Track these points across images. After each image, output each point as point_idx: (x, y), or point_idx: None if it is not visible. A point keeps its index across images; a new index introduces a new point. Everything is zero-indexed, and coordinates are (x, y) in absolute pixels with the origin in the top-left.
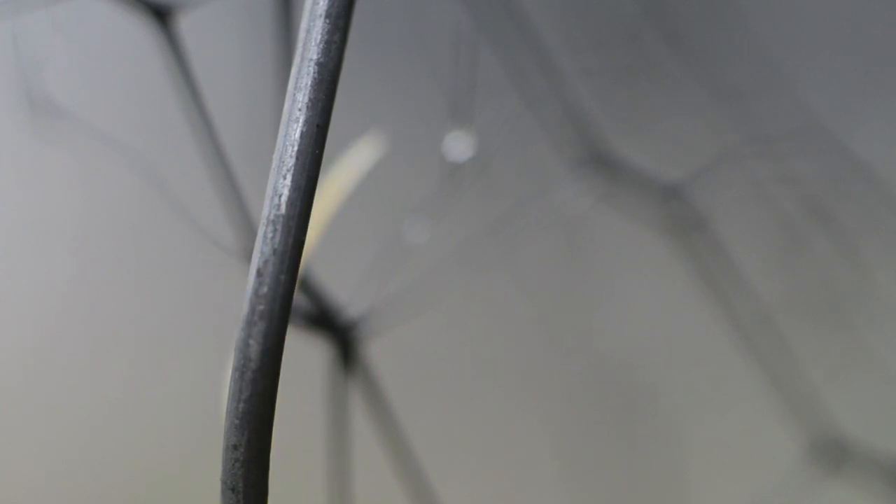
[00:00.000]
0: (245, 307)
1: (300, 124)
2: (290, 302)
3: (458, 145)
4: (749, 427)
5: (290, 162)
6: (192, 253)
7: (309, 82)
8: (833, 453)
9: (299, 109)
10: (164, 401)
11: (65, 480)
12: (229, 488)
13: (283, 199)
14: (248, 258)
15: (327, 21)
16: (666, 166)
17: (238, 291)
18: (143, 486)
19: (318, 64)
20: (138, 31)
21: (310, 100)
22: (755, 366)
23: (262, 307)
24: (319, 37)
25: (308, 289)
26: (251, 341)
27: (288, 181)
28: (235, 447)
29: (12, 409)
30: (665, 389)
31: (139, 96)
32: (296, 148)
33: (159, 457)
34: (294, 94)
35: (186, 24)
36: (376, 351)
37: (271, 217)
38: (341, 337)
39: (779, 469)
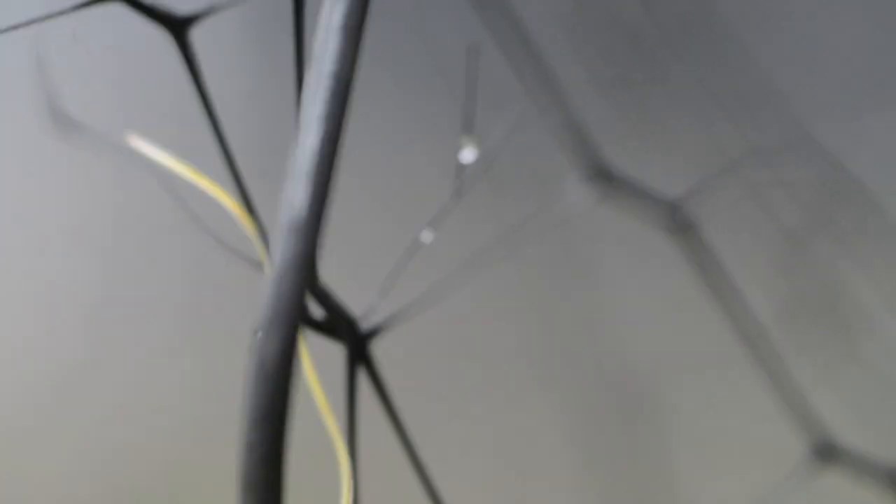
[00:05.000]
0: (261, 310)
1: (315, 134)
2: (305, 304)
3: (466, 153)
4: (749, 427)
5: (306, 169)
6: (206, 259)
7: (324, 93)
8: (833, 455)
9: (314, 120)
10: (180, 401)
11: (75, 479)
12: (246, 486)
13: (300, 205)
14: (262, 263)
15: (342, 34)
16: (668, 178)
17: (251, 295)
18: (158, 485)
19: (333, 75)
20: (152, 43)
21: (325, 110)
22: (755, 367)
23: (278, 310)
24: (334, 49)
25: (319, 291)
26: (268, 342)
27: (304, 188)
28: (252, 446)
29: (36, 408)
30: (666, 390)
31: (153, 105)
32: (311, 156)
33: (175, 455)
34: (309, 105)
35: (201, 36)
36: (381, 353)
37: (288, 223)
38: (351, 338)
39: (779, 468)
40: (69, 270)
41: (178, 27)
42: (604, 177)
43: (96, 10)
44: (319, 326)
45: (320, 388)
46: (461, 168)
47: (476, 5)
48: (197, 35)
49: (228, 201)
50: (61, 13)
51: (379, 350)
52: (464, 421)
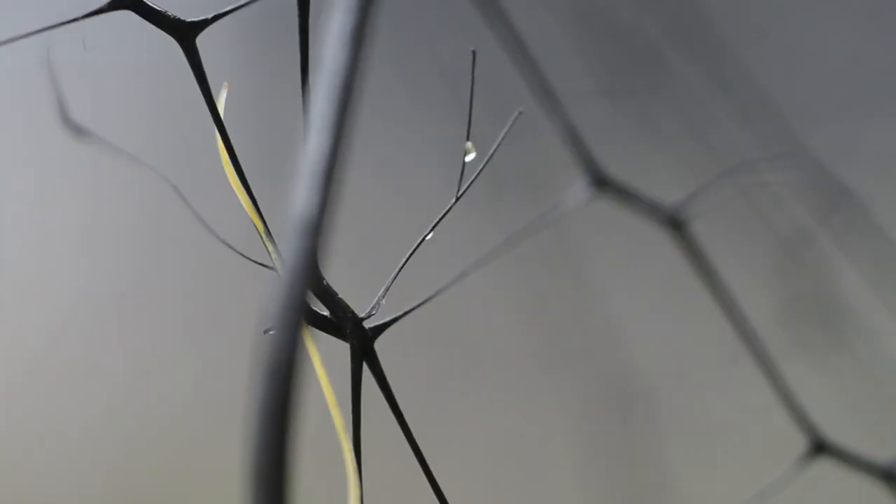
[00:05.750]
0: (268, 310)
1: (323, 136)
2: (310, 304)
3: (466, 156)
4: (744, 424)
5: (314, 171)
6: (212, 260)
7: (332, 98)
8: (826, 452)
9: (322, 123)
10: (184, 399)
11: (78, 475)
12: (255, 484)
13: (307, 206)
14: (270, 264)
15: (350, 38)
16: (666, 183)
17: (255, 295)
18: (163, 483)
19: (341, 79)
20: (160, 48)
21: (333, 114)
22: (751, 365)
23: (284, 310)
24: (342, 53)
25: (324, 290)
26: (276, 341)
27: (311, 190)
28: (261, 444)
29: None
30: (663, 386)
31: (161, 109)
32: (319, 159)
33: (178, 454)
34: (317, 109)
35: (208, 41)
36: (381, 352)
37: (295, 223)
38: (356, 336)
39: (773, 465)
40: (76, 272)
41: (185, 33)
42: (602, 182)
43: (105, 18)
44: (325, 325)
45: (329, 386)
46: (463, 169)
47: (482, 14)
48: (204, 40)
49: (245, 201)
50: (71, 21)
51: (380, 348)
52: (464, 415)
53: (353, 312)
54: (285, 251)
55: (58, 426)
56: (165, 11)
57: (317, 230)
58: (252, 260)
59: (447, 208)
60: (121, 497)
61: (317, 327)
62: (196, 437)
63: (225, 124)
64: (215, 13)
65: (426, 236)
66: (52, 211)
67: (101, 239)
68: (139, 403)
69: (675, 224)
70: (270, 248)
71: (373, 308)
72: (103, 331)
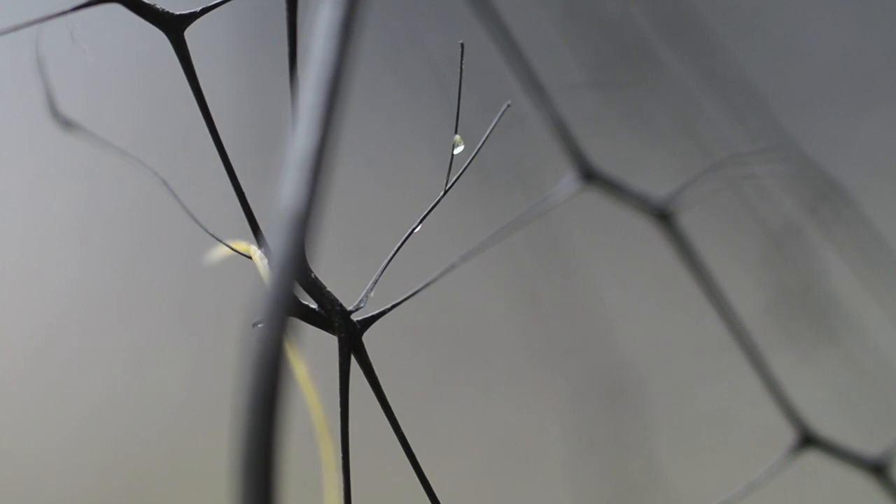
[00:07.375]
0: (255, 303)
1: (312, 130)
2: (297, 297)
3: (455, 148)
4: (732, 416)
5: (302, 163)
6: (200, 254)
7: (321, 90)
8: (815, 445)
9: (311, 115)
10: (181, 393)
11: (71, 470)
12: (244, 476)
13: (295, 200)
14: (255, 256)
15: (339, 33)
16: (655, 176)
17: (243, 288)
18: (152, 477)
19: (330, 73)
20: (150, 42)
21: (321, 106)
22: (739, 357)
23: (271, 302)
24: (330, 45)
25: (312, 283)
26: (265, 333)
27: (299, 182)
28: (250, 435)
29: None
30: (651, 379)
31: (150, 103)
32: (307, 151)
33: (176, 449)
34: (305, 102)
35: (197, 34)
36: (369, 345)
37: (283, 216)
38: (344, 330)
39: (761, 457)
40: (69, 266)
41: (173, 26)
42: (590, 175)
43: (94, 11)
44: (313, 318)
45: (307, 377)
46: (452, 162)
47: (471, 7)
48: (193, 33)
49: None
50: (60, 14)
51: (368, 340)
52: (453, 408)
53: (341, 305)
54: (273, 244)
55: (51, 421)
56: (154, 4)
57: (305, 223)
58: (238, 252)
59: (436, 201)
60: (115, 490)
61: (305, 320)
62: (191, 430)
63: (217, 119)
64: (203, 6)
65: (415, 228)
66: (45, 204)
67: (94, 233)
68: (133, 397)
69: (664, 216)
70: (259, 241)
71: (361, 301)
72: (96, 325)
